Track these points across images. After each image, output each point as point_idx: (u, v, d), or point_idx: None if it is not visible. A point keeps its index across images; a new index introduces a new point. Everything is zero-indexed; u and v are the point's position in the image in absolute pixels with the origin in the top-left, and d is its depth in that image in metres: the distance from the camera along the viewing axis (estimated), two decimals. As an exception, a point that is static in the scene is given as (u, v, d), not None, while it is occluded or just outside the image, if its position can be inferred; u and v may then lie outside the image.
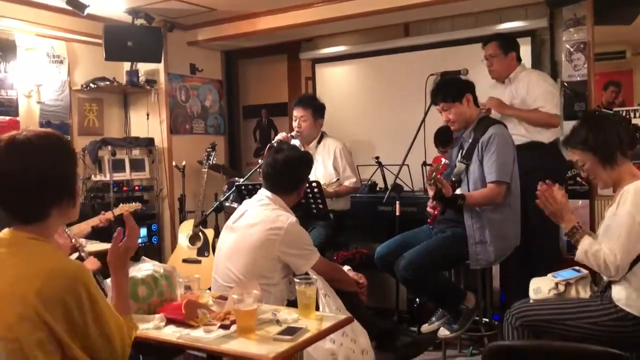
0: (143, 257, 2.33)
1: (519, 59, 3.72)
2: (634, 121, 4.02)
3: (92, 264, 2.63)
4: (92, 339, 1.46)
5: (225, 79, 6.02)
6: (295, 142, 3.87)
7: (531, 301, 2.48)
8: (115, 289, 1.73)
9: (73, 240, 2.83)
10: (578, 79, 4.14)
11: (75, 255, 2.76)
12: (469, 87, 3.16)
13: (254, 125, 6.18)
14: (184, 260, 4.45)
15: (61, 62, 4.87)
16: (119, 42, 4.70)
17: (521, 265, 3.39)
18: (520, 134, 3.55)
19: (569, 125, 2.64)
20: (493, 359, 1.69)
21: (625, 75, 4.33)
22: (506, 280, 3.77)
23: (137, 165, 5.10)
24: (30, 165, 1.47)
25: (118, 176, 4.91)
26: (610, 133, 2.31)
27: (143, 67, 5.18)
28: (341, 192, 3.89)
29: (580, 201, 4.09)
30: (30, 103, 4.67)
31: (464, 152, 3.13)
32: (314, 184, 3.31)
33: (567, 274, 2.51)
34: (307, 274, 2.47)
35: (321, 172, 3.89)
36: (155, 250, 5.13)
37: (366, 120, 5.18)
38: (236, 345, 1.84)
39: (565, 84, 4.15)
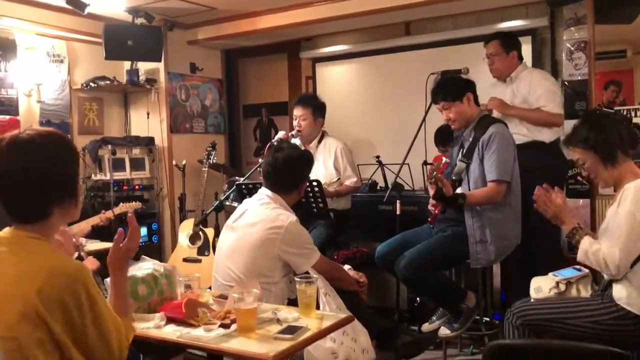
0: (143, 256, 2.33)
1: (520, 58, 3.71)
2: (634, 120, 4.02)
3: (91, 263, 2.63)
4: (90, 340, 1.45)
5: (226, 78, 6.02)
6: (296, 141, 3.87)
7: (532, 300, 2.48)
8: (114, 290, 1.72)
9: (73, 239, 2.82)
10: (579, 78, 4.14)
11: (75, 254, 2.76)
12: (470, 86, 3.15)
13: (254, 125, 6.18)
14: (184, 260, 4.46)
15: (61, 61, 4.87)
16: (119, 41, 4.70)
17: (522, 264, 3.38)
18: (522, 133, 3.55)
19: (569, 125, 2.64)
20: (494, 358, 1.69)
21: (625, 74, 4.33)
22: (507, 279, 3.77)
23: (137, 165, 5.10)
24: (33, 164, 1.46)
25: (118, 175, 4.91)
26: (611, 132, 2.31)
27: (143, 66, 5.18)
28: (342, 191, 3.89)
29: (581, 200, 4.09)
30: (31, 102, 4.66)
31: (464, 151, 3.13)
32: (314, 183, 3.30)
33: (568, 272, 2.51)
34: (307, 273, 2.47)
35: (322, 171, 3.89)
36: (156, 249, 5.14)
37: (367, 119, 5.18)
38: (236, 344, 1.84)
39: (566, 83, 4.15)
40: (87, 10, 4.32)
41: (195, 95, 5.60)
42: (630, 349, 1.75)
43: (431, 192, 3.02)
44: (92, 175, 4.89)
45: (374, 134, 5.09)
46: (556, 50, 4.39)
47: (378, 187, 4.48)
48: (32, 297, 1.37)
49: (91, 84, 4.94)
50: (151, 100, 5.27)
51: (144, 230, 5.03)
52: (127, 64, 5.18)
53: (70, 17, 4.58)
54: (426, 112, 3.43)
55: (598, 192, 3.95)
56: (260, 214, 2.67)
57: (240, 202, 3.15)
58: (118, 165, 4.93)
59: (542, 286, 2.51)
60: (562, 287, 2.46)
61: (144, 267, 2.25)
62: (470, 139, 3.10)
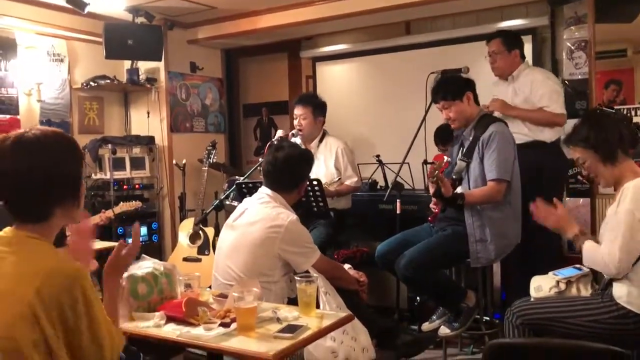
0: (143, 255, 2.33)
1: (522, 57, 3.70)
2: (635, 119, 4.02)
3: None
4: (84, 344, 1.42)
5: (226, 77, 6.02)
6: (297, 140, 3.87)
7: (532, 299, 2.48)
8: (108, 297, 1.71)
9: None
10: (579, 77, 4.13)
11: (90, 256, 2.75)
12: (470, 85, 3.15)
13: (254, 124, 6.18)
14: (185, 259, 4.46)
15: (61, 60, 4.87)
16: (119, 40, 4.70)
17: (522, 263, 3.38)
18: (523, 132, 3.54)
19: (570, 124, 2.64)
20: (494, 357, 1.69)
21: (626, 73, 4.32)
22: (507, 278, 3.77)
23: (137, 164, 5.10)
24: (38, 163, 1.46)
25: (118, 174, 4.90)
26: (611, 131, 2.31)
27: (143, 66, 5.18)
28: (342, 191, 3.89)
29: (581, 200, 4.09)
30: (31, 101, 4.66)
31: (464, 150, 3.13)
32: (314, 183, 3.30)
33: (568, 272, 2.51)
34: (307, 272, 2.47)
35: (322, 171, 3.89)
36: (156, 248, 5.13)
37: (367, 118, 5.18)
38: (236, 343, 1.84)
39: (566, 82, 4.14)
40: (87, 9, 4.31)
41: (196, 95, 5.59)
42: (630, 348, 1.75)
43: (432, 190, 3.02)
44: (92, 175, 4.89)
45: (374, 133, 5.08)
46: (556, 50, 4.38)
47: (378, 187, 4.48)
48: (31, 298, 1.35)
49: (91, 83, 4.93)
50: (151, 99, 5.26)
51: (144, 230, 5.04)
52: (127, 63, 5.18)
53: (70, 16, 4.58)
54: (426, 111, 3.42)
55: (598, 191, 3.95)
56: (260, 212, 2.67)
57: (240, 201, 3.14)
58: (118, 164, 4.93)
59: (542, 285, 2.51)
60: (562, 286, 2.46)
61: (144, 266, 2.24)
62: (470, 138, 3.10)
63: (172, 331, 1.96)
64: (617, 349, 1.59)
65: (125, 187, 4.96)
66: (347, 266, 2.91)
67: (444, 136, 4.06)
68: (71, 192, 1.53)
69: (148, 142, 5.19)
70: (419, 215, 3.64)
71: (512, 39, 3.69)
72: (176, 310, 2.04)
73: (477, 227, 3.01)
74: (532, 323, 2.34)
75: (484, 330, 3.34)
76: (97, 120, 5.20)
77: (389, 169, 4.32)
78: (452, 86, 3.14)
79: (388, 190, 3.59)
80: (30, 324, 1.35)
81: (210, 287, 2.74)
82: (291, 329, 1.90)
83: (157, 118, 5.27)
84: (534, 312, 2.35)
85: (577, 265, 2.51)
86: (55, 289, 1.38)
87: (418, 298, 3.87)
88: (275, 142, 3.54)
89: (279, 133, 3.96)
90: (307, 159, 2.89)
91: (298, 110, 3.98)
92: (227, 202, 4.02)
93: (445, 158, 3.18)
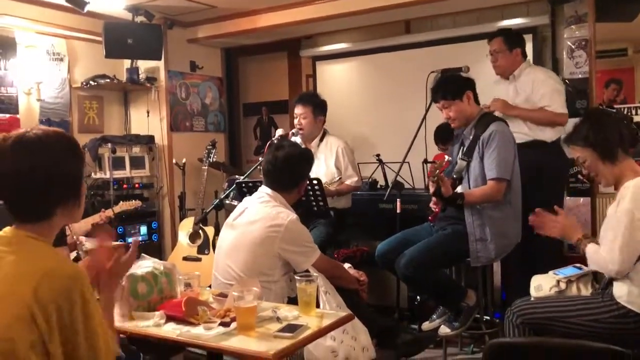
0: (143, 254, 2.32)
1: (524, 56, 3.70)
2: (635, 119, 4.02)
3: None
4: (80, 348, 1.40)
5: (226, 76, 6.01)
6: (297, 139, 3.86)
7: (532, 299, 2.48)
8: (105, 302, 1.70)
9: (74, 237, 2.82)
10: (579, 76, 4.13)
11: (74, 254, 2.75)
12: (470, 84, 3.15)
13: (254, 123, 6.18)
14: (184, 258, 4.46)
15: (61, 59, 4.86)
16: (119, 39, 4.69)
17: (522, 262, 3.38)
18: (523, 132, 3.54)
19: (570, 123, 2.64)
20: (494, 356, 1.69)
21: (626, 72, 4.32)
22: (507, 277, 3.77)
23: (137, 163, 5.10)
24: (39, 163, 1.45)
25: (118, 174, 4.90)
26: (611, 130, 2.31)
27: (143, 65, 5.17)
28: (343, 190, 3.89)
29: (582, 199, 4.09)
30: (30, 101, 4.65)
31: (464, 149, 3.13)
32: (314, 182, 3.30)
33: (568, 271, 2.51)
34: (307, 271, 2.46)
35: (323, 170, 3.88)
36: (156, 248, 5.13)
37: (367, 117, 5.17)
38: (236, 343, 1.84)
39: (567, 81, 4.14)
40: (87, 8, 4.30)
41: (195, 94, 5.59)
42: (630, 347, 1.74)
43: (432, 190, 3.02)
44: (92, 174, 4.88)
45: (374, 132, 5.08)
46: (557, 49, 4.38)
47: (378, 186, 4.48)
48: (28, 298, 1.34)
49: (91, 82, 4.93)
50: (151, 98, 5.26)
51: (143, 229, 5.04)
52: (127, 62, 5.17)
53: (70, 15, 4.57)
54: (426, 111, 3.42)
55: (599, 190, 3.94)
56: (260, 212, 2.66)
57: (240, 200, 3.14)
58: (118, 163, 4.93)
59: (542, 285, 2.51)
60: (563, 285, 2.46)
61: (144, 266, 2.24)
62: (471, 137, 3.10)
63: (172, 330, 1.96)
64: (617, 349, 1.59)
65: (125, 186, 4.96)
66: (347, 265, 2.91)
67: (444, 135, 4.06)
68: (72, 192, 1.53)
69: (148, 141, 5.19)
70: (419, 215, 3.64)
71: (513, 37, 3.69)
72: (176, 310, 2.04)
73: (477, 226, 3.00)
74: (532, 322, 2.34)
75: (484, 329, 3.34)
76: (96, 119, 5.20)
77: (389, 168, 4.32)
78: (452, 85, 3.14)
79: (388, 190, 3.59)
80: (28, 324, 1.34)
81: (210, 286, 2.74)
82: (291, 328, 1.90)
83: (157, 117, 5.27)
84: (534, 311, 2.35)
85: (577, 265, 2.51)
86: (53, 290, 1.37)
87: (418, 297, 3.86)
88: (276, 141, 3.53)
89: (279, 132, 3.96)
90: (307, 158, 2.89)
91: (298, 110, 3.98)
92: (227, 202, 4.01)
93: (446, 157, 3.18)
